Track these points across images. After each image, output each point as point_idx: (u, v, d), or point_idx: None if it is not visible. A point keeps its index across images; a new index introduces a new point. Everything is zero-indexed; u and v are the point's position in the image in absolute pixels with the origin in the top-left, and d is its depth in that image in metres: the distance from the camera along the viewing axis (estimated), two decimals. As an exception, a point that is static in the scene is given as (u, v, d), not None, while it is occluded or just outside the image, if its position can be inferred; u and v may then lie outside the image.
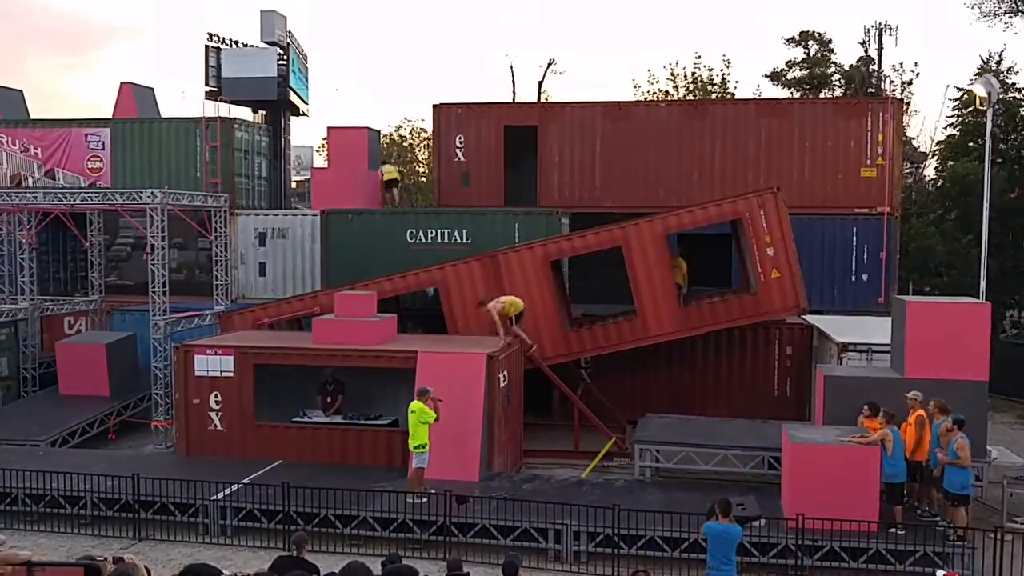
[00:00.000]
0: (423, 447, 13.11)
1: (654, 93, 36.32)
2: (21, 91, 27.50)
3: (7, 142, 24.56)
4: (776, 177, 19.26)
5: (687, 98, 34.55)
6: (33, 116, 26.95)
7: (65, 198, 20.47)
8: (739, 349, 18.32)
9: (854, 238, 20.13)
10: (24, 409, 19.96)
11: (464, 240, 19.82)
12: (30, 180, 24.23)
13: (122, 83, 27.72)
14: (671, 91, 36.27)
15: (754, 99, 29.69)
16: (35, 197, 20.89)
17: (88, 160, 24.10)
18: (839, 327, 16.51)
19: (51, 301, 22.84)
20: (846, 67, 34.80)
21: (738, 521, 9.86)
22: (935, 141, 33.56)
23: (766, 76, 35.85)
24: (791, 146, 20.62)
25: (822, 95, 33.33)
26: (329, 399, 15.96)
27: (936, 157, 33.63)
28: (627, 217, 17.68)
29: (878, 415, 11.73)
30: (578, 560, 12.08)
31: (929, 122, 35.57)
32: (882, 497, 11.47)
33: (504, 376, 15.13)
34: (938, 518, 11.96)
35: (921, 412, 12.04)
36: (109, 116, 25.88)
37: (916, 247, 27.09)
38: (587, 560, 12.04)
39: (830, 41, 35.34)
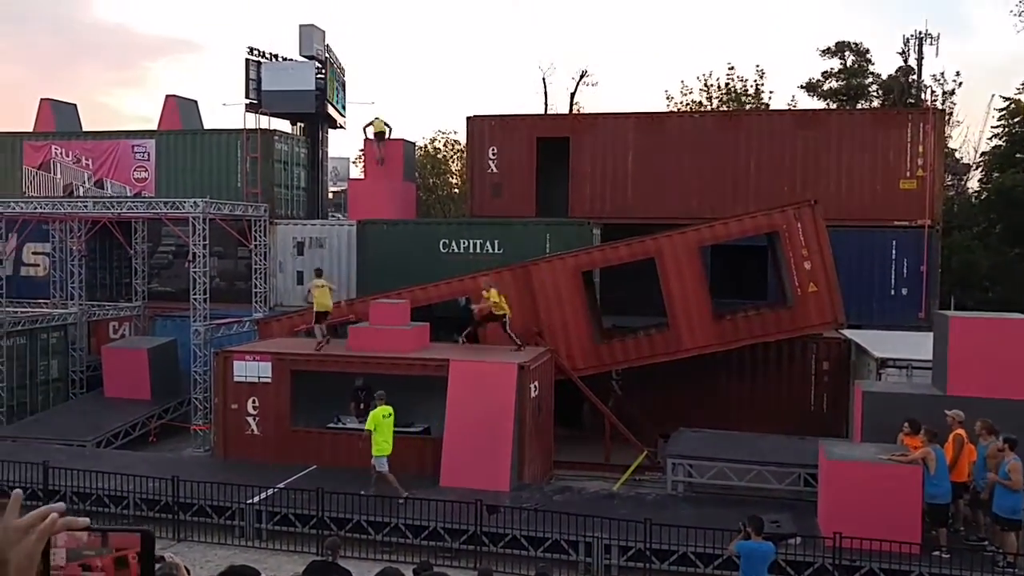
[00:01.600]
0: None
1: (687, 104, 35.88)
2: (75, 105, 28.02)
3: (61, 154, 25.03)
4: (812, 189, 18.71)
5: (721, 109, 34.08)
6: (85, 128, 27.38)
7: (112, 207, 20.79)
8: (774, 363, 17.80)
9: (893, 251, 19.37)
10: (72, 410, 20.36)
11: (496, 250, 19.75)
12: (80, 190, 24.62)
13: (167, 96, 28.11)
14: (704, 102, 35.80)
15: (790, 110, 29.16)
16: (85, 206, 21.25)
17: (134, 170, 24.42)
18: (878, 342, 15.91)
19: (98, 306, 23.23)
20: (884, 77, 34.07)
21: (773, 539, 9.53)
22: (979, 152, 32.71)
23: (801, 87, 35.24)
24: (828, 158, 20.00)
25: (859, 106, 32.65)
26: (362, 406, 15.89)
27: (980, 168, 32.74)
28: (659, 228, 17.37)
29: (919, 433, 11.20)
30: (609, 574, 11.83)
31: (972, 133, 34.64)
32: (924, 519, 10.98)
33: (535, 386, 14.92)
34: (986, 543, 11.31)
35: (960, 432, 11.50)
36: (155, 128, 26.21)
37: (959, 261, 26.25)
38: (618, 574, 11.78)
39: (867, 51, 34.64)
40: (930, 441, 11.01)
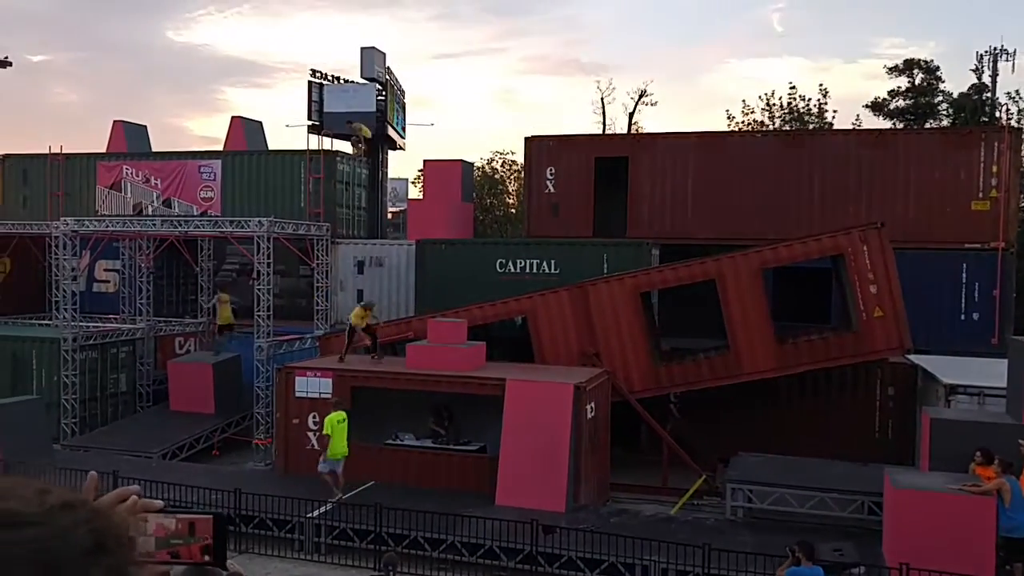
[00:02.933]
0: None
1: (749, 124, 35.60)
2: (145, 126, 28.80)
3: (131, 174, 25.78)
4: (879, 211, 18.29)
5: (783, 128, 33.71)
6: (154, 149, 28.11)
7: (180, 225, 21.52)
8: (837, 387, 17.39)
9: (964, 275, 18.77)
10: (139, 422, 20.86)
11: (553, 270, 19.81)
12: (149, 209, 25.30)
13: (233, 118, 28.72)
14: (766, 122, 35.49)
15: (855, 129, 28.68)
16: (154, 224, 22.04)
17: (201, 190, 25.02)
18: (947, 368, 15.42)
19: (165, 322, 23.81)
20: (955, 96, 33.30)
21: (836, 568, 9.40)
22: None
23: (867, 107, 34.67)
24: (895, 178, 19.49)
25: (928, 125, 31.96)
26: (447, 423, 15.97)
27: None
28: (720, 249, 17.22)
29: (992, 463, 10.88)
30: (666, 598, 11.75)
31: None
32: (998, 552, 10.62)
33: (591, 407, 14.91)
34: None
35: (1033, 462, 11.16)
36: (221, 149, 26.91)
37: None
38: (676, 599, 11.70)
39: (937, 69, 33.94)
40: (1004, 472, 10.70)
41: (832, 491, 13.43)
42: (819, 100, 35.31)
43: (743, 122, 35.86)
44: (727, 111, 48.34)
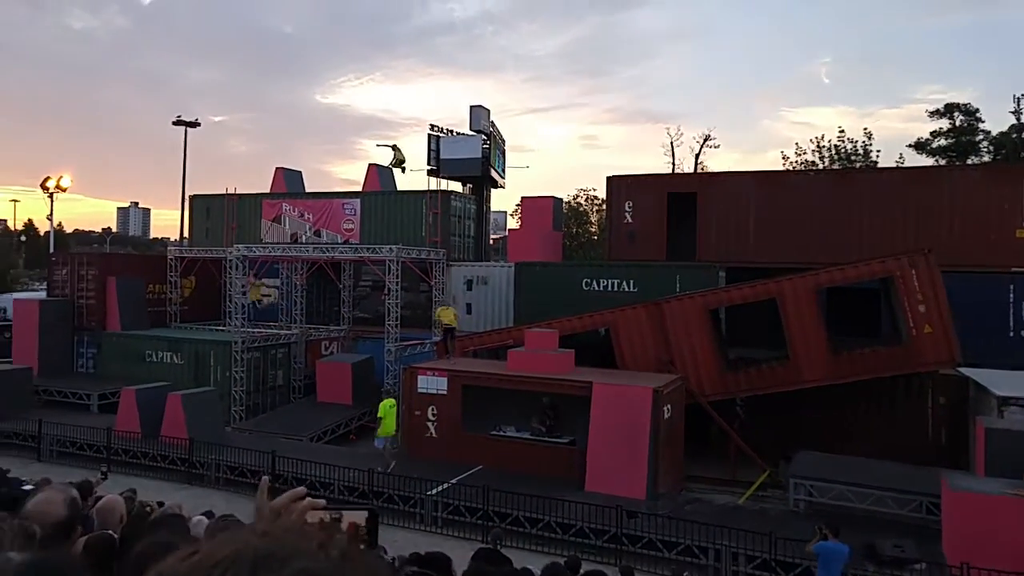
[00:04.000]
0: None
1: (802, 164, 34.12)
2: (300, 172, 29.40)
3: (289, 209, 26.41)
4: (925, 240, 17.04)
5: (833, 167, 32.13)
6: (308, 190, 28.62)
7: (327, 251, 22.03)
8: (890, 395, 16.17)
9: (1011, 295, 17.04)
10: (292, 411, 21.23)
11: (631, 289, 19.31)
12: (303, 238, 25.77)
13: (369, 164, 28.93)
14: (817, 162, 33.91)
15: (900, 167, 26.98)
16: (307, 250, 22.63)
17: (344, 223, 25.35)
18: (999, 381, 13.97)
19: (314, 329, 24.28)
20: (995, 135, 30.89)
21: (897, 563, 8.58)
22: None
23: (910, 146, 32.61)
24: (941, 210, 18.00)
25: (970, 162, 29.76)
26: (549, 423, 15.62)
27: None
28: (779, 272, 16.37)
29: (1045, 470, 9.84)
30: (736, 580, 11.04)
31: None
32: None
33: (668, 408, 14.32)
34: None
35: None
36: (359, 190, 27.22)
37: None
38: (745, 581, 10.98)
39: (977, 111, 31.60)
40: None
41: (891, 490, 12.41)
42: (864, 142, 33.53)
43: (796, 162, 34.42)
44: (782, 152, 46.64)
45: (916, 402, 16.00)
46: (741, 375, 16.13)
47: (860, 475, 13.10)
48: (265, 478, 1.43)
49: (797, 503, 13.17)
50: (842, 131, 34.28)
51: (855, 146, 33.51)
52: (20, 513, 2.44)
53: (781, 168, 32.11)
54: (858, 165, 31.93)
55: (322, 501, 1.33)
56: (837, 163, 32.98)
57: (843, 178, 20.78)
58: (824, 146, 34.03)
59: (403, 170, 26.64)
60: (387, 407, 15.31)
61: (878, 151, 33.79)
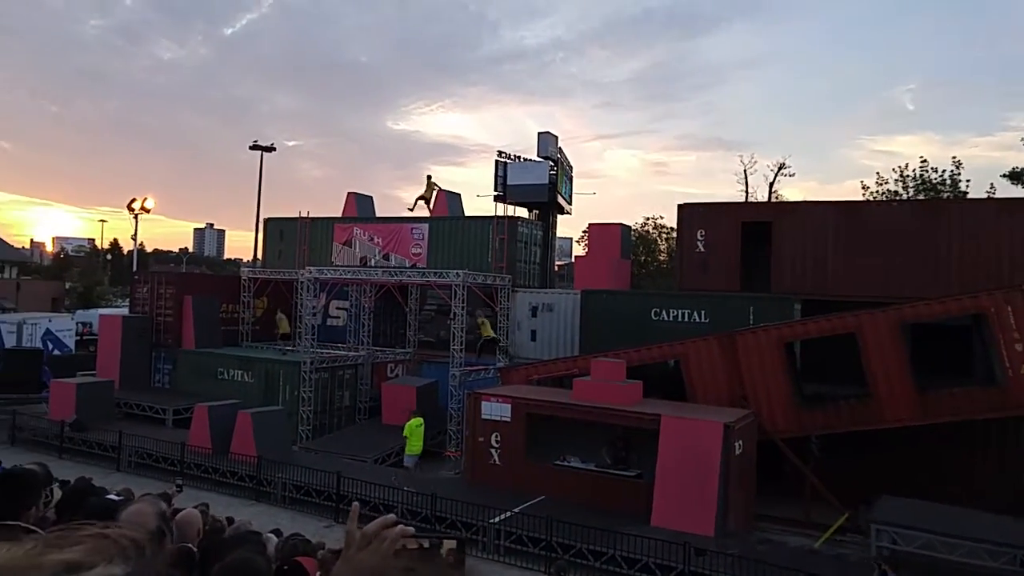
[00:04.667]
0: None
1: (883, 194, 33.06)
2: (371, 196, 29.98)
3: (359, 233, 27.20)
4: (1021, 274, 16.28)
5: (918, 198, 31.01)
6: (378, 214, 29.17)
7: (395, 275, 22.60)
8: (981, 437, 15.39)
9: None
10: (357, 432, 21.62)
11: (702, 320, 19.05)
12: (372, 261, 26.44)
13: (438, 190, 29.24)
14: (900, 192, 32.79)
15: (992, 198, 25.83)
16: (375, 274, 23.27)
17: (412, 247, 25.92)
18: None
19: (380, 351, 24.72)
20: None
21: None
22: None
23: (1004, 176, 31.16)
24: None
25: None
26: (620, 454, 15.55)
27: None
28: (858, 306, 15.87)
29: None
30: (812, 628, 10.64)
31: None
32: None
33: (739, 444, 14.02)
34: None
35: None
36: (428, 215, 27.75)
37: None
38: (821, 630, 10.58)
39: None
40: None
41: (985, 541, 11.71)
42: (952, 171, 32.26)
43: (877, 192, 33.39)
44: (861, 182, 45.42)
45: (1011, 447, 15.15)
46: (817, 412, 15.65)
47: (950, 523, 12.41)
48: (355, 504, 1.49)
49: (880, 551, 12.60)
50: (925, 160, 33.24)
51: (942, 175, 32.29)
52: (113, 523, 2.59)
53: (861, 198, 31.24)
54: (945, 196, 30.72)
55: (411, 529, 1.37)
56: (922, 193, 31.84)
57: (931, 209, 20.04)
58: (908, 175, 32.93)
59: (427, 203, 27.37)
60: (413, 426, 15.88)
61: (967, 181, 32.48)
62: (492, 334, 22.22)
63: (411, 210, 27.98)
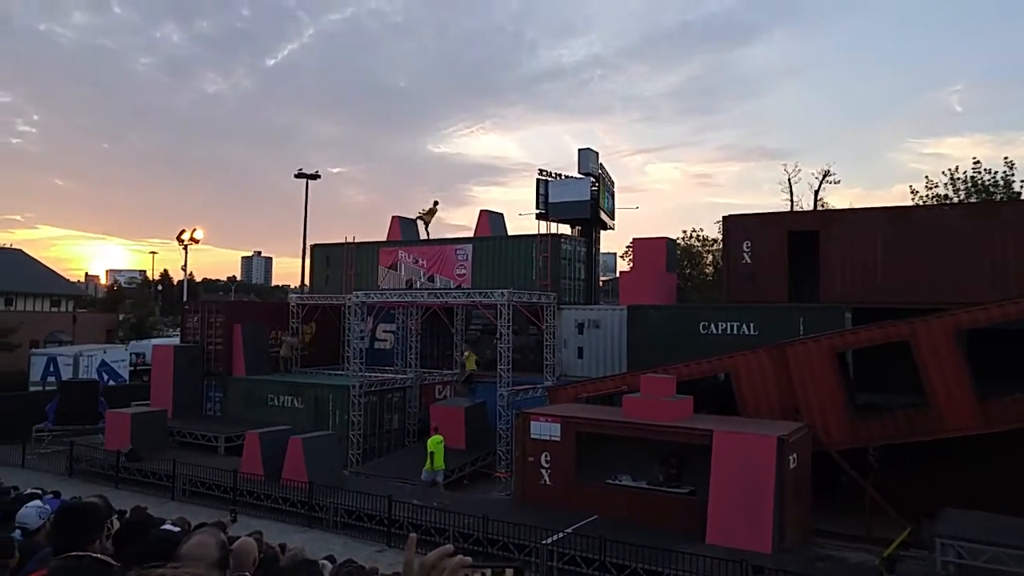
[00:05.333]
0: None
1: (933, 198, 32.43)
2: (414, 220, 30.57)
3: (405, 256, 27.74)
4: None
5: (969, 200, 30.33)
6: (422, 237, 29.70)
7: (441, 296, 23.04)
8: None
9: None
10: (407, 454, 21.85)
11: (752, 332, 19.02)
12: (418, 283, 26.94)
13: (480, 211, 29.95)
14: (951, 195, 32.12)
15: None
16: (421, 296, 23.74)
17: (456, 268, 26.39)
18: None
19: (427, 373, 25.06)
20: None
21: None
22: None
23: None
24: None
25: None
26: (673, 471, 15.61)
27: None
28: (911, 313, 15.69)
29: None
30: (878, 646, 10.53)
31: None
32: None
33: (794, 458, 13.97)
34: None
35: None
36: (471, 235, 28.22)
37: None
38: (887, 647, 10.46)
39: None
40: None
41: (1056, 554, 11.42)
42: (1005, 172, 31.46)
43: (926, 196, 32.76)
44: (910, 186, 44.60)
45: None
46: (873, 423, 15.49)
47: (1019, 536, 12.13)
48: (413, 535, 1.52)
49: (945, 566, 12.40)
50: (977, 162, 32.55)
51: (994, 177, 31.52)
52: (176, 554, 2.69)
53: (910, 203, 30.73)
54: (998, 197, 29.98)
55: (469, 559, 1.40)
56: (974, 196, 31.13)
57: (984, 211, 19.74)
58: (959, 178, 32.26)
59: (426, 226, 28.41)
60: (435, 443, 16.43)
61: (1022, 182, 31.66)
62: (475, 368, 23.96)
63: (415, 220, 28.42)
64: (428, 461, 16.89)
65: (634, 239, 25.62)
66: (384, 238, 29.44)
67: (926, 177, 36.50)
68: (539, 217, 26.64)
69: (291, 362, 26.63)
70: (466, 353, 24.36)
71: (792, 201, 36.73)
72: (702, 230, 39.79)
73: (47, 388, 28.56)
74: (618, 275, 31.61)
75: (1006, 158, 33.85)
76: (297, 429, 19.93)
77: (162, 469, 19.65)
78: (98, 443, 22.39)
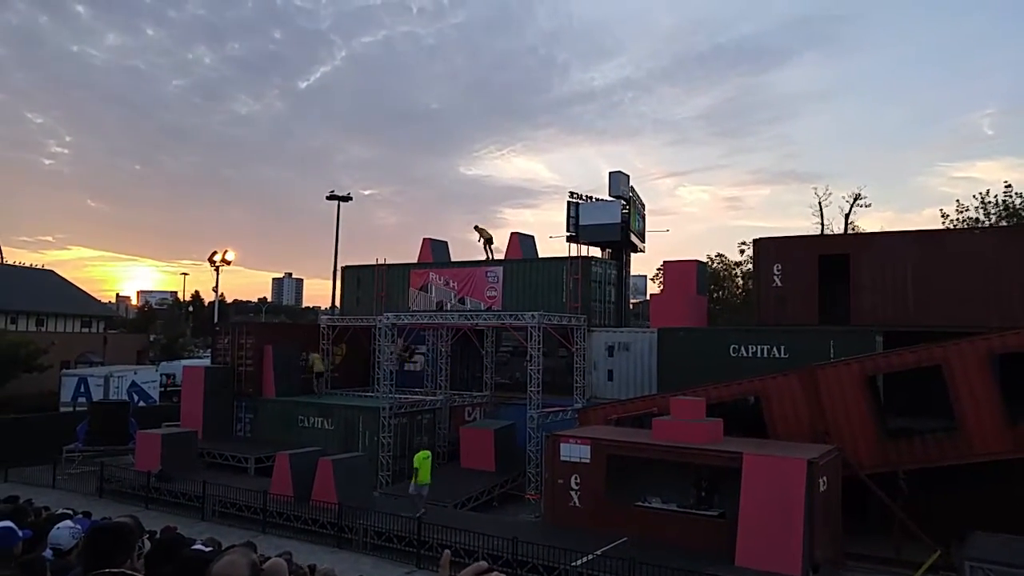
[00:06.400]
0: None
1: (964, 221, 32.56)
2: (445, 242, 31.15)
3: (435, 278, 28.21)
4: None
5: (1001, 224, 30.38)
6: (453, 259, 30.16)
7: (471, 318, 23.62)
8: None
9: None
10: (436, 477, 21.86)
11: (782, 355, 19.34)
12: (448, 305, 27.38)
13: (512, 233, 30.24)
14: (981, 219, 32.21)
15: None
16: (452, 318, 24.35)
17: (487, 290, 26.79)
18: None
19: (457, 395, 25.52)
20: None
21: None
22: None
23: None
24: None
25: None
26: (703, 494, 15.87)
27: None
28: (943, 336, 15.96)
29: None
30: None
31: None
32: None
33: (823, 481, 14.31)
34: None
35: None
36: (502, 258, 28.59)
37: None
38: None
39: None
40: None
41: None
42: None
43: (957, 219, 32.91)
44: (941, 210, 44.47)
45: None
46: (903, 446, 15.77)
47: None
48: (447, 552, 1.61)
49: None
50: (1008, 185, 32.66)
51: (1025, 200, 31.59)
52: (207, 574, 2.76)
53: (940, 226, 30.88)
54: None
55: (503, 575, 1.53)
56: (1005, 219, 31.19)
57: (1016, 235, 19.91)
58: (990, 201, 32.40)
59: (489, 248, 28.66)
60: (421, 458, 17.34)
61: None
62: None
63: (489, 253, 29.11)
64: (413, 476, 17.37)
65: (664, 262, 26.13)
66: (415, 260, 29.94)
67: (957, 200, 36.58)
68: (570, 240, 27.09)
69: (325, 379, 27.32)
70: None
71: (823, 224, 37.01)
72: (725, 256, 40.10)
73: (78, 409, 28.96)
74: (648, 298, 31.99)
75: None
76: (327, 451, 20.32)
77: (192, 490, 19.99)
78: (128, 464, 22.83)
